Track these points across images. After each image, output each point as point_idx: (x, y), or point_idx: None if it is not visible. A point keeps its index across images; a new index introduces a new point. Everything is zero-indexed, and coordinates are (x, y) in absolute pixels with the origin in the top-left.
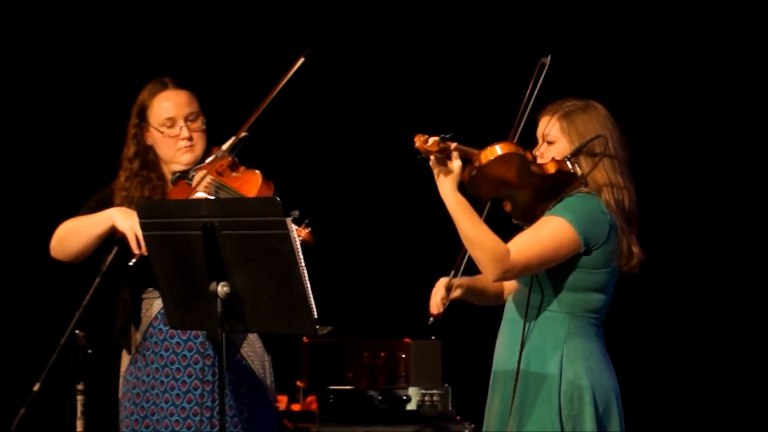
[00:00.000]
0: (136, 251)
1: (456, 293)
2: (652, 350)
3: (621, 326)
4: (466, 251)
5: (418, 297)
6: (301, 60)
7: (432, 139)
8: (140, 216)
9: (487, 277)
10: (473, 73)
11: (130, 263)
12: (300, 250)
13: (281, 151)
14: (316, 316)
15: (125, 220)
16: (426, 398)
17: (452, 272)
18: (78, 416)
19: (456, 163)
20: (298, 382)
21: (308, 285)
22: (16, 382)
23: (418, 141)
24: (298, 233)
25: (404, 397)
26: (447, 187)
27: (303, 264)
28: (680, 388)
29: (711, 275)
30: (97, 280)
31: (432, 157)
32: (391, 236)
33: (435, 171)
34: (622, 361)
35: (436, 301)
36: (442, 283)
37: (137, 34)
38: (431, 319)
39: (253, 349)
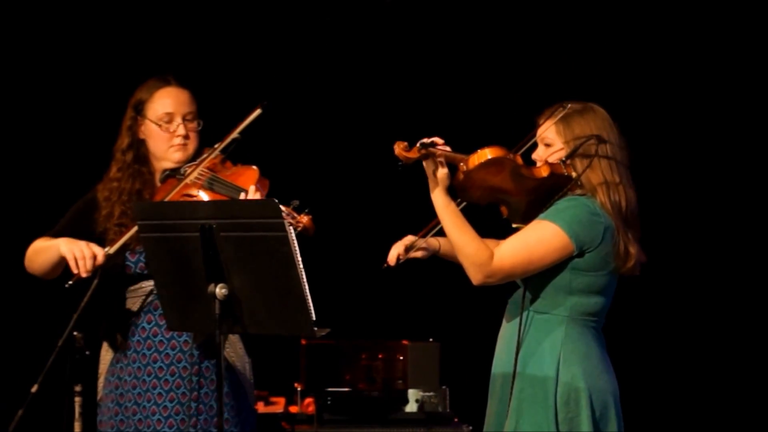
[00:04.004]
0: (74, 271)
1: (417, 254)
2: (653, 353)
3: (623, 329)
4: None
5: (416, 299)
6: (258, 111)
7: (413, 147)
8: (137, 218)
9: (471, 281)
10: (472, 75)
11: (67, 285)
12: (298, 251)
13: (277, 151)
14: (314, 318)
15: (66, 245)
16: (424, 400)
17: (420, 234)
18: (76, 417)
19: (441, 169)
20: (295, 384)
21: (306, 287)
22: (15, 383)
23: (398, 148)
24: (299, 220)
25: (402, 399)
26: (435, 190)
27: (301, 266)
28: (681, 391)
29: (711, 278)
30: (95, 282)
31: (423, 163)
32: (389, 239)
33: (427, 174)
34: (624, 363)
35: (393, 255)
36: (406, 239)
37: (131, 34)
38: (384, 266)
39: (234, 351)
